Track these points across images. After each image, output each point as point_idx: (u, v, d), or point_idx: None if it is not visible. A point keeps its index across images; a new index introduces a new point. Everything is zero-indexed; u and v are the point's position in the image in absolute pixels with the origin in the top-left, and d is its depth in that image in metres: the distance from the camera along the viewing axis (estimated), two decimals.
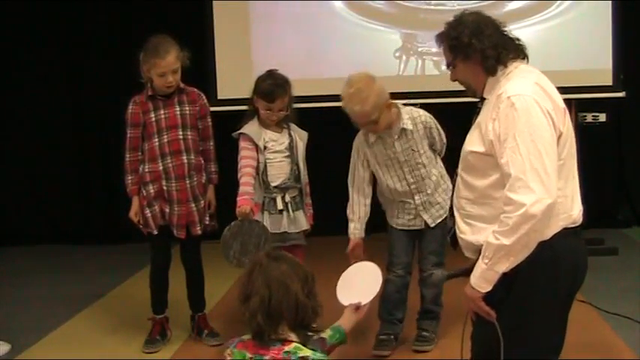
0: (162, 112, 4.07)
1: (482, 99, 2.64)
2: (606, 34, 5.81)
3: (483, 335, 2.62)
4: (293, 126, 4.04)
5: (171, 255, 4.25)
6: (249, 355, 2.17)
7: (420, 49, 6.00)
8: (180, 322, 4.40)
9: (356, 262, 3.38)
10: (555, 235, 2.50)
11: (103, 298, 5.20)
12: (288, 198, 3.95)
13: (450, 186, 3.91)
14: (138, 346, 4.21)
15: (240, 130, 3.97)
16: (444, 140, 3.94)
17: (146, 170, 4.09)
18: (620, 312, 4.08)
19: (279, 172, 3.95)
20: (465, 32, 2.58)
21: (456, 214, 2.67)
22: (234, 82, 5.85)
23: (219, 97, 5.89)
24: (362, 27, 6.03)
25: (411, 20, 6.03)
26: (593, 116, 5.68)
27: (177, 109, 4.09)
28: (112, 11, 6.57)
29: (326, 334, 2.52)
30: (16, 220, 6.85)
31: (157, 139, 4.06)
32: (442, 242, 3.92)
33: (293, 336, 2.18)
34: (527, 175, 2.38)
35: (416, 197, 3.88)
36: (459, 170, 2.66)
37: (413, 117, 3.83)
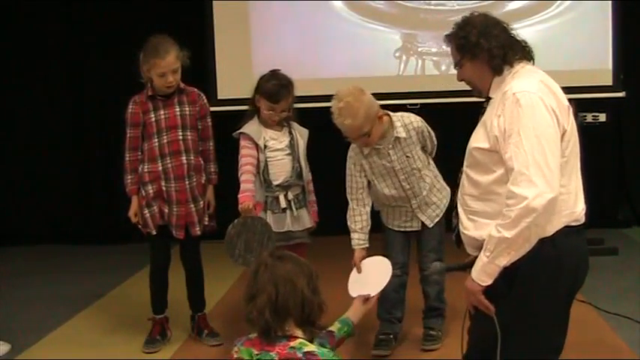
0: (162, 112, 4.07)
1: (488, 99, 2.66)
2: (606, 34, 5.81)
3: (481, 329, 2.63)
4: (293, 124, 4.04)
5: (170, 255, 4.25)
6: (255, 352, 2.19)
7: (420, 49, 6.01)
8: (180, 322, 4.40)
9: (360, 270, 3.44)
10: (558, 233, 2.51)
11: (103, 298, 5.20)
12: (290, 196, 3.94)
13: (444, 185, 3.95)
14: (138, 346, 4.21)
15: (241, 130, 3.96)
16: (435, 141, 3.94)
17: (145, 170, 4.09)
18: (620, 312, 4.07)
19: (280, 170, 3.95)
20: (473, 32, 2.62)
21: (460, 211, 2.69)
22: (234, 82, 5.86)
23: (219, 97, 5.90)
24: (362, 27, 6.03)
25: (411, 20, 6.04)
26: (593, 116, 5.68)
27: (177, 109, 4.09)
28: (112, 11, 6.57)
29: (334, 327, 2.54)
30: (16, 220, 6.85)
31: (156, 140, 4.06)
32: (441, 239, 3.93)
33: (299, 332, 2.20)
34: (530, 169, 2.41)
35: (412, 201, 3.88)
36: (464, 167, 2.68)
37: (405, 124, 3.81)
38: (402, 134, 3.78)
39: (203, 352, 4.15)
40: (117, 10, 6.55)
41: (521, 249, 2.45)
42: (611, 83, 5.82)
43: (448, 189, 3.93)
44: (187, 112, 4.10)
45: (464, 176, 2.68)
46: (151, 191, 4.08)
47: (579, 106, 5.62)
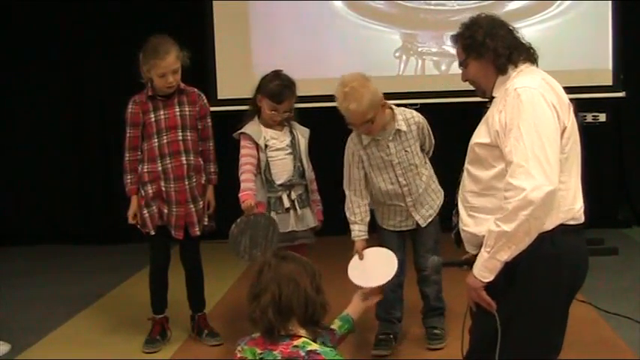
0: (162, 112, 4.06)
1: (491, 99, 2.68)
2: (606, 34, 5.82)
3: (482, 328, 2.63)
4: (294, 123, 4.03)
5: (170, 255, 4.25)
6: (258, 352, 2.19)
7: (420, 49, 6.01)
8: (180, 322, 4.40)
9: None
10: (557, 231, 2.52)
11: (103, 298, 5.20)
12: (294, 195, 3.94)
13: (439, 187, 3.96)
14: (138, 346, 4.21)
15: (241, 130, 3.96)
16: (433, 141, 3.95)
17: (145, 170, 4.09)
18: (620, 312, 4.07)
19: (282, 169, 3.94)
20: (480, 32, 2.66)
21: (460, 208, 2.70)
22: (234, 82, 5.86)
23: (219, 97, 5.90)
24: (362, 27, 6.04)
25: (411, 20, 6.04)
26: (593, 116, 5.68)
27: (177, 109, 4.09)
28: (112, 11, 6.57)
29: (335, 324, 2.55)
30: (16, 220, 6.85)
31: (156, 140, 4.06)
32: (437, 239, 3.93)
33: (302, 332, 2.20)
34: (529, 162, 2.42)
35: (407, 199, 3.88)
36: (466, 164, 2.70)
37: (406, 118, 3.82)
38: (403, 127, 3.79)
39: (203, 352, 4.15)
40: (117, 10, 6.55)
41: (522, 243, 2.46)
42: (611, 83, 5.83)
43: (442, 191, 3.96)
44: (187, 113, 4.10)
45: (465, 173, 2.70)
46: (150, 191, 4.08)
47: (579, 106, 5.60)
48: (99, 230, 6.80)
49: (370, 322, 4.09)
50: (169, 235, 4.15)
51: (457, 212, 2.74)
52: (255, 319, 2.19)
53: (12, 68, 6.70)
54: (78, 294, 5.27)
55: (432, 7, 5.99)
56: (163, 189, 4.08)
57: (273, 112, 3.91)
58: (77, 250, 6.60)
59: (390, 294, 3.97)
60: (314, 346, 2.16)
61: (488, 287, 2.54)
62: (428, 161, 3.97)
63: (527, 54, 2.68)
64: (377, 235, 4.00)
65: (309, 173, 4.01)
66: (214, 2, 6.03)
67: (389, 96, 3.80)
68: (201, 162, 4.18)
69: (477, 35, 2.65)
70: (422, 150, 3.92)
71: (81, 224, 6.87)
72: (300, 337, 2.18)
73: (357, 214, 3.84)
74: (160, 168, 4.07)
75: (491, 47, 2.63)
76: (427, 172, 3.94)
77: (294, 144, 3.98)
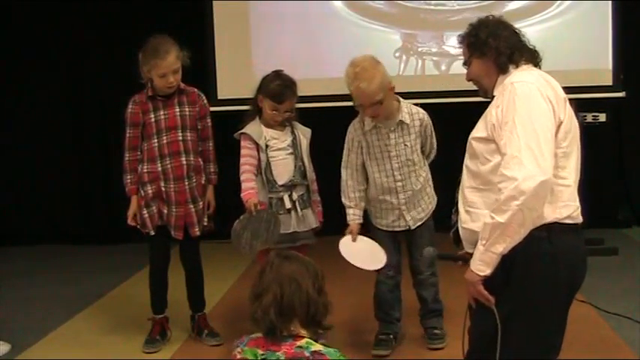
0: (161, 112, 4.06)
1: (493, 99, 2.70)
2: (606, 34, 5.82)
3: (481, 325, 2.63)
4: (296, 123, 4.03)
5: (170, 255, 4.25)
6: (260, 352, 2.17)
7: (420, 49, 6.01)
8: (180, 322, 4.40)
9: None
10: (554, 230, 2.52)
11: (103, 298, 5.20)
12: (295, 196, 3.94)
13: (434, 192, 3.98)
14: (138, 346, 4.20)
15: (242, 130, 3.96)
16: (435, 145, 3.96)
17: (144, 171, 4.09)
18: (620, 312, 4.08)
19: (283, 169, 3.94)
20: (484, 31, 2.71)
21: (459, 206, 2.71)
22: (234, 82, 5.86)
23: (219, 97, 5.91)
24: (362, 27, 6.04)
25: (411, 20, 6.04)
26: (593, 116, 5.68)
27: (177, 110, 4.09)
28: (112, 11, 6.57)
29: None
30: (16, 220, 6.85)
31: (156, 140, 4.06)
32: (431, 241, 3.92)
33: (304, 332, 2.19)
34: (522, 153, 2.44)
35: (400, 195, 3.87)
36: (465, 161, 2.71)
37: (411, 112, 3.84)
38: (407, 120, 3.80)
39: (203, 352, 4.15)
40: (117, 10, 6.55)
41: (517, 235, 2.46)
42: (611, 83, 5.83)
43: (436, 198, 3.98)
44: (187, 113, 4.10)
45: (464, 170, 2.72)
46: (150, 191, 4.08)
47: (579, 106, 5.61)
48: (99, 230, 6.80)
49: (370, 323, 4.09)
50: (169, 235, 4.15)
51: (457, 210, 2.75)
52: (257, 319, 2.18)
53: (12, 68, 6.70)
54: (78, 294, 5.27)
55: (432, 7, 5.99)
56: (163, 189, 4.08)
57: (274, 112, 3.91)
58: (77, 250, 6.61)
59: (388, 295, 3.98)
60: (318, 347, 2.15)
61: (487, 283, 2.54)
62: (427, 164, 3.97)
63: (530, 56, 2.72)
64: (371, 236, 4.00)
65: (310, 173, 4.01)
66: (214, 2, 6.03)
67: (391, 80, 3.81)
68: (201, 162, 4.17)
69: (481, 34, 2.71)
70: (422, 152, 3.92)
71: (81, 224, 6.87)
72: (303, 337, 2.17)
73: (352, 199, 3.88)
74: (159, 168, 4.07)
75: (494, 46, 2.67)
76: (425, 174, 3.94)
77: (295, 144, 3.98)
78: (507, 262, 2.50)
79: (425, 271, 3.98)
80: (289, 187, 3.94)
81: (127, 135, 4.11)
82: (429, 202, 3.96)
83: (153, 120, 4.06)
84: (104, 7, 6.58)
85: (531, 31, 5.62)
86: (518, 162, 2.43)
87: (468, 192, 2.66)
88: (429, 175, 3.97)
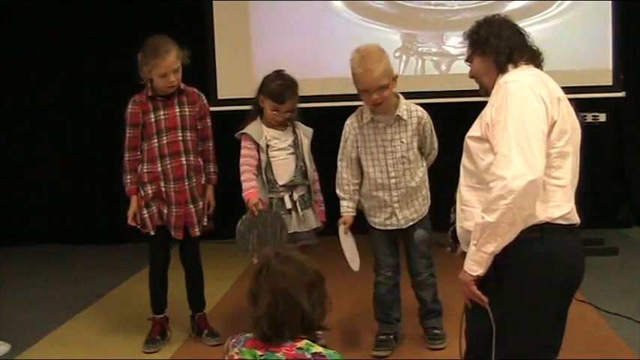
0: (161, 112, 4.06)
1: None
2: (606, 34, 5.82)
3: (477, 325, 2.64)
4: (297, 123, 4.03)
5: (170, 255, 4.25)
6: (259, 353, 2.15)
7: (420, 49, 6.01)
8: (180, 322, 4.40)
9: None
10: (546, 230, 2.52)
11: (103, 298, 5.20)
12: (296, 196, 3.93)
13: (429, 194, 3.97)
14: (138, 346, 4.20)
15: (242, 130, 3.96)
16: (435, 146, 3.95)
17: (144, 171, 4.09)
18: (620, 312, 4.08)
19: (284, 169, 3.93)
20: (486, 30, 2.73)
21: (457, 204, 2.71)
22: (234, 82, 5.86)
23: (219, 97, 5.91)
24: (362, 27, 6.03)
25: (411, 20, 6.04)
26: (593, 116, 5.68)
27: (177, 110, 4.09)
28: (112, 11, 6.57)
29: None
30: (16, 220, 6.85)
31: (156, 140, 4.06)
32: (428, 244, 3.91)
33: (301, 334, 2.18)
34: (512, 152, 2.44)
35: (393, 192, 3.86)
36: (462, 160, 2.71)
37: (410, 109, 3.84)
38: (404, 116, 3.80)
39: (203, 352, 4.15)
40: (117, 11, 6.55)
41: (507, 235, 2.46)
42: (611, 83, 5.83)
43: (430, 201, 3.98)
44: (187, 113, 4.10)
45: (461, 169, 2.72)
46: (150, 192, 4.08)
47: (579, 106, 5.61)
48: (99, 230, 6.80)
49: (370, 324, 4.09)
50: (169, 235, 4.15)
51: (455, 209, 2.75)
52: (253, 324, 2.16)
53: (12, 68, 6.70)
54: (78, 294, 5.27)
55: (432, 7, 5.99)
56: (163, 189, 4.08)
57: (275, 112, 3.91)
58: (77, 250, 6.61)
59: (387, 295, 3.98)
60: (318, 348, 2.14)
61: (481, 284, 2.54)
62: (425, 165, 3.97)
63: (530, 56, 2.72)
64: (368, 236, 4.00)
65: (312, 173, 4.01)
66: (214, 2, 6.03)
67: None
68: (201, 162, 4.17)
69: (483, 32, 2.72)
70: (421, 152, 3.92)
71: (81, 224, 6.87)
72: (302, 338, 2.16)
73: (347, 191, 3.89)
74: (159, 168, 4.07)
75: (494, 44, 2.68)
76: (422, 175, 3.93)
77: (296, 144, 3.98)
78: (500, 262, 2.50)
79: (423, 272, 3.97)
80: (290, 187, 3.93)
81: (127, 135, 4.11)
82: (423, 203, 3.94)
83: (153, 120, 4.06)
84: (104, 7, 6.58)
85: (531, 30, 5.49)
86: (508, 161, 2.43)
87: (464, 190, 2.67)
88: (426, 177, 3.96)
